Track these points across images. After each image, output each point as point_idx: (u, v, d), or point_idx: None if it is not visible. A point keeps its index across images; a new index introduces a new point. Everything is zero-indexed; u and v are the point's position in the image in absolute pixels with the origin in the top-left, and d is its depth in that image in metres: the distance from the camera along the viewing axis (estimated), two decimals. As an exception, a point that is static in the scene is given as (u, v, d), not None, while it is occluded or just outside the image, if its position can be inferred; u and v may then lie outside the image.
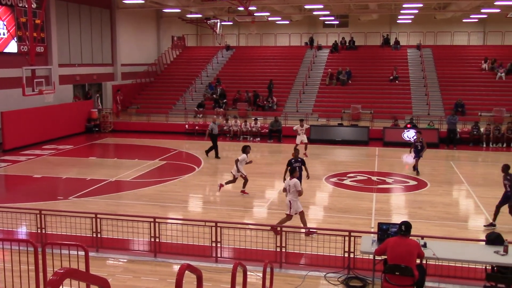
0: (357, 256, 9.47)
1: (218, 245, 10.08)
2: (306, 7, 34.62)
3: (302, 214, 11.61)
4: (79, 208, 13.47)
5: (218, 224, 10.14)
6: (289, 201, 11.65)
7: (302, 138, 21.51)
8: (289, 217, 11.63)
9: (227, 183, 15.44)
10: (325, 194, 16.08)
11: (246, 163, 15.48)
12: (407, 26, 42.40)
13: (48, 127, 25.04)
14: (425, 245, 8.59)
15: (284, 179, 13.29)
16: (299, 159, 14.31)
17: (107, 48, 33.44)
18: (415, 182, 17.08)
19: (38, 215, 10.87)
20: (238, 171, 15.23)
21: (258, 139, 25.94)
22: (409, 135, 24.59)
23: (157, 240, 10.36)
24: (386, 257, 8.08)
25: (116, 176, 17.81)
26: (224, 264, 9.86)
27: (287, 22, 43.76)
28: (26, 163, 20.14)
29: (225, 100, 31.33)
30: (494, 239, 8.83)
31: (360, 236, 9.45)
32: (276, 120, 25.95)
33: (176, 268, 9.67)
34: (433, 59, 35.11)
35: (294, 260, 10.07)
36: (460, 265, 9.08)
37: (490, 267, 8.64)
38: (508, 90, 30.16)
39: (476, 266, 9.01)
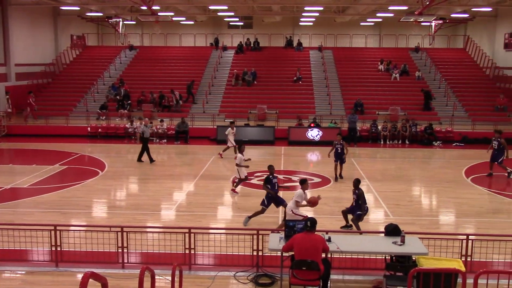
0: (266, 254, 9.61)
1: (125, 250, 9.77)
2: (211, 8, 34.61)
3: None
4: (-30, 219, 12.46)
5: (125, 229, 9.83)
6: (291, 210, 11.32)
7: (231, 140, 21.25)
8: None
9: (236, 185, 15.70)
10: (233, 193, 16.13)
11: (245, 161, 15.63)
12: (309, 28, 43.80)
13: None
14: (329, 240, 8.89)
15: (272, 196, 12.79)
16: (276, 175, 13.32)
17: (-1, 46, 31.29)
18: (319, 179, 17.65)
19: None
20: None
21: (165, 140, 25.54)
22: (313, 134, 25.41)
23: (59, 248, 9.83)
24: (293, 253, 8.27)
25: (12, 183, 16.70)
26: (131, 269, 9.57)
27: (192, 23, 43.51)
28: None
29: (129, 102, 30.49)
30: (392, 230, 9.34)
31: (268, 234, 9.59)
32: (182, 122, 25.69)
33: (79, 277, 9.23)
34: (334, 60, 36.56)
35: (203, 261, 10.01)
36: (362, 257, 9.53)
37: (389, 257, 9.12)
38: (402, 90, 32.12)
39: (377, 257, 9.48)
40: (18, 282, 9.29)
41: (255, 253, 9.63)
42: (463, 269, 8.31)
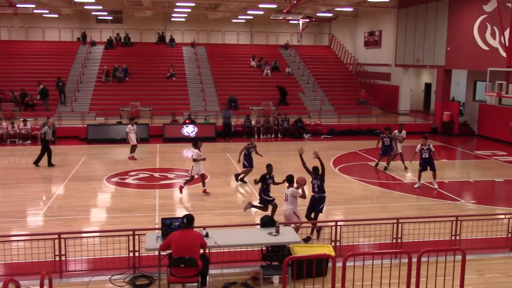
0: (143, 254, 9.38)
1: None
2: (76, 0, 32.86)
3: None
4: None
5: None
6: (293, 212, 10.65)
7: (132, 138, 20.16)
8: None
9: (186, 183, 14.97)
10: (107, 194, 15.54)
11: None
12: (182, 24, 43.49)
13: None
14: (207, 235, 8.91)
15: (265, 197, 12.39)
16: (272, 175, 12.68)
17: None
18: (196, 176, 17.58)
19: None
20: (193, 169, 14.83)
21: (29, 142, 23.76)
22: (188, 130, 25.32)
23: None
24: (171, 251, 8.16)
25: None
26: (-7, 283, 8.78)
27: (56, 16, 40.92)
28: None
29: (-14, 101, 27.96)
30: (267, 221, 9.62)
31: (145, 234, 9.36)
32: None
33: None
34: (207, 56, 36.72)
35: (76, 267, 9.49)
36: (240, 249, 9.69)
37: (265, 248, 9.38)
38: (274, 86, 33.18)
39: (254, 249, 9.70)
40: None
41: (131, 255, 9.35)
42: (333, 253, 8.80)
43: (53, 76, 30.83)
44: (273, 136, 26.54)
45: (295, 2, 27.09)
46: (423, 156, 15.89)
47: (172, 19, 42.59)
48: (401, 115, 31.77)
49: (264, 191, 12.44)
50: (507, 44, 20.17)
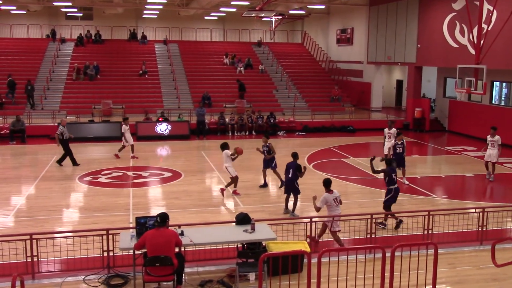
0: (117, 254, 9.27)
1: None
2: (45, -4, 32.28)
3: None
4: None
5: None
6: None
7: (129, 138, 19.78)
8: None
9: (227, 185, 14.88)
10: (80, 194, 15.30)
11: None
12: (154, 21, 43.09)
13: None
14: (182, 233, 8.86)
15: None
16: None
17: None
18: (170, 174, 17.51)
19: None
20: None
21: (-2, 141, 23.26)
22: (161, 128, 25.12)
23: None
24: (146, 250, 8.09)
25: None
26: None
27: (24, 12, 40.07)
28: None
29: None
30: (242, 219, 9.61)
31: (119, 233, 9.25)
32: (18, 120, 23.62)
33: None
34: (180, 54, 36.48)
35: (48, 268, 9.33)
36: (215, 247, 9.67)
37: (241, 245, 9.37)
38: (247, 83, 33.14)
39: (229, 246, 9.69)
40: None
41: (105, 254, 9.24)
42: (308, 250, 8.86)
43: (21, 74, 30.22)
44: (247, 133, 26.54)
45: (267, -1, 27.13)
46: (397, 151, 16.10)
47: (144, 16, 42.17)
48: (373, 112, 32.14)
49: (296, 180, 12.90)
50: (475, 42, 20.58)
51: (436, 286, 7.40)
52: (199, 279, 8.94)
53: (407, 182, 16.23)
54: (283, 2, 33.48)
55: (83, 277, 9.02)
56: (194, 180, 16.74)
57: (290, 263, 8.43)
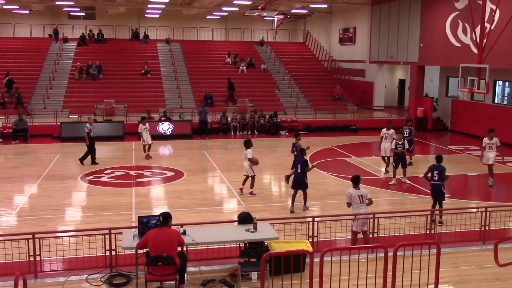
0: (120, 253, 9.29)
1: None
2: (48, -4, 32.32)
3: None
4: None
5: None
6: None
7: (146, 138, 19.72)
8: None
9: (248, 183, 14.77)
10: (82, 193, 15.31)
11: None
12: (156, 20, 43.09)
13: None
14: (184, 233, 8.86)
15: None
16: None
17: None
18: (172, 173, 17.51)
19: None
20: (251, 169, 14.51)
21: (0, 140, 23.29)
22: (164, 127, 25.13)
23: None
24: (148, 249, 8.10)
25: None
26: (-35, 285, 8.60)
27: (27, 12, 40.12)
28: None
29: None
30: (244, 218, 9.61)
31: (121, 233, 9.26)
32: (20, 119, 23.66)
33: None
34: (182, 53, 36.48)
35: (51, 267, 9.35)
36: (217, 247, 9.67)
37: (243, 244, 9.37)
38: (250, 82, 33.20)
39: (231, 245, 9.69)
40: None
41: (108, 253, 9.25)
42: (310, 249, 8.86)
43: (24, 73, 30.30)
44: (249, 132, 26.53)
45: (270, -2, 27.11)
46: (398, 147, 16.06)
47: (146, 16, 42.17)
48: (375, 111, 32.11)
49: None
50: (478, 41, 20.54)
51: (439, 286, 7.39)
52: (201, 278, 8.95)
53: (408, 182, 16.20)
54: (285, 1, 33.45)
55: (85, 276, 9.03)
56: (196, 179, 16.74)
57: (293, 263, 8.42)
